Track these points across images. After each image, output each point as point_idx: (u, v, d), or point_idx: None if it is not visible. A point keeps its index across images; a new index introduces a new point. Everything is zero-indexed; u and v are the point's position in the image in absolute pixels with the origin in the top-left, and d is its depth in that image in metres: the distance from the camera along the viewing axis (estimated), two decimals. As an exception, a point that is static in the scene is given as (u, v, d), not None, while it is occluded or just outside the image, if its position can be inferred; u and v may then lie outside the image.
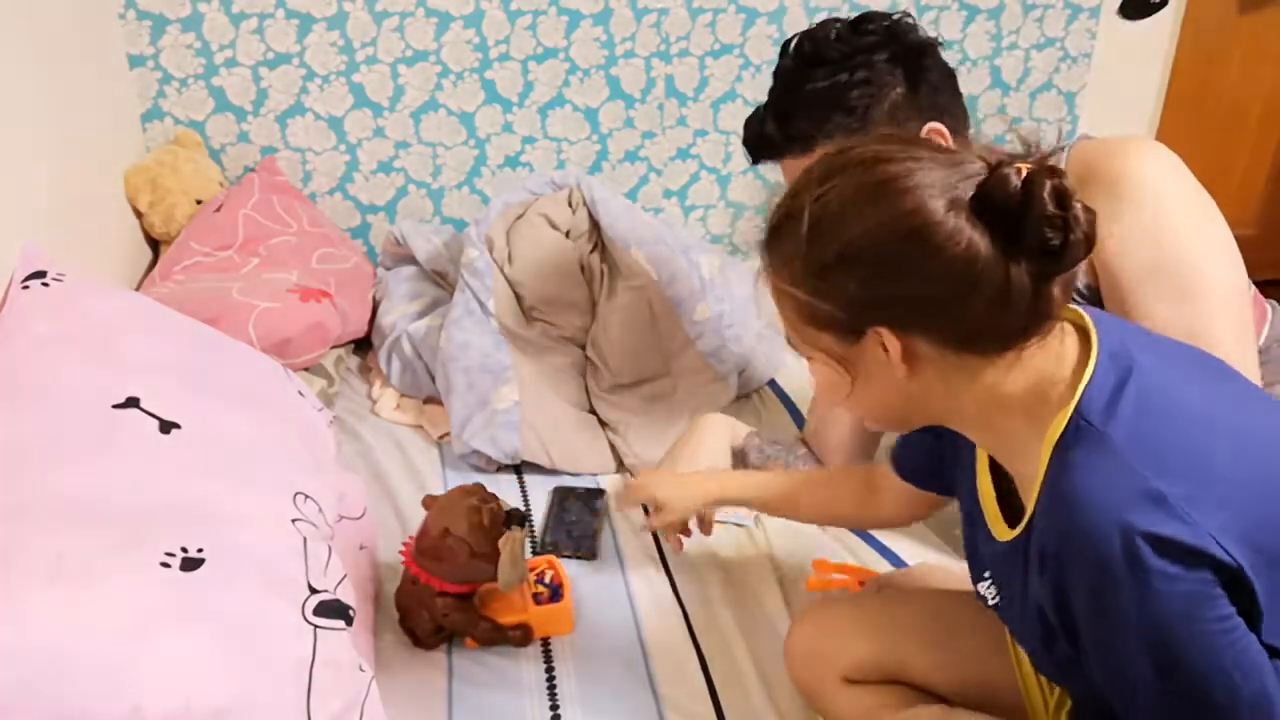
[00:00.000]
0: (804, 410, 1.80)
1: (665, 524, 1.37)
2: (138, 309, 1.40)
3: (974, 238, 0.79)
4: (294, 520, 1.15)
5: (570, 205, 2.03)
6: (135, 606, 0.93)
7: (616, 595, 1.44)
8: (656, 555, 1.53)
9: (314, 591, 1.07)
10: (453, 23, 2.16)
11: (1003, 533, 0.94)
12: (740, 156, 2.42)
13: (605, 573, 1.48)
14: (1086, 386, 0.83)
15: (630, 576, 1.48)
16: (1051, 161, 0.81)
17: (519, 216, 1.99)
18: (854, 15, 1.31)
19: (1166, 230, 1.10)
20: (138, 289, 1.88)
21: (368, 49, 2.15)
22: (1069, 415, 0.83)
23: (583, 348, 1.89)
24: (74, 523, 0.99)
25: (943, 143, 1.18)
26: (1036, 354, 0.85)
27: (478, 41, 2.19)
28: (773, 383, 1.97)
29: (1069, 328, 0.88)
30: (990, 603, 1.01)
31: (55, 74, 1.67)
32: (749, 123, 1.36)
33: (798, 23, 2.30)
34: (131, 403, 1.17)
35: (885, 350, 0.85)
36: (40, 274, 1.32)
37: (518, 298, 1.89)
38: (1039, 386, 0.85)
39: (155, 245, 2.08)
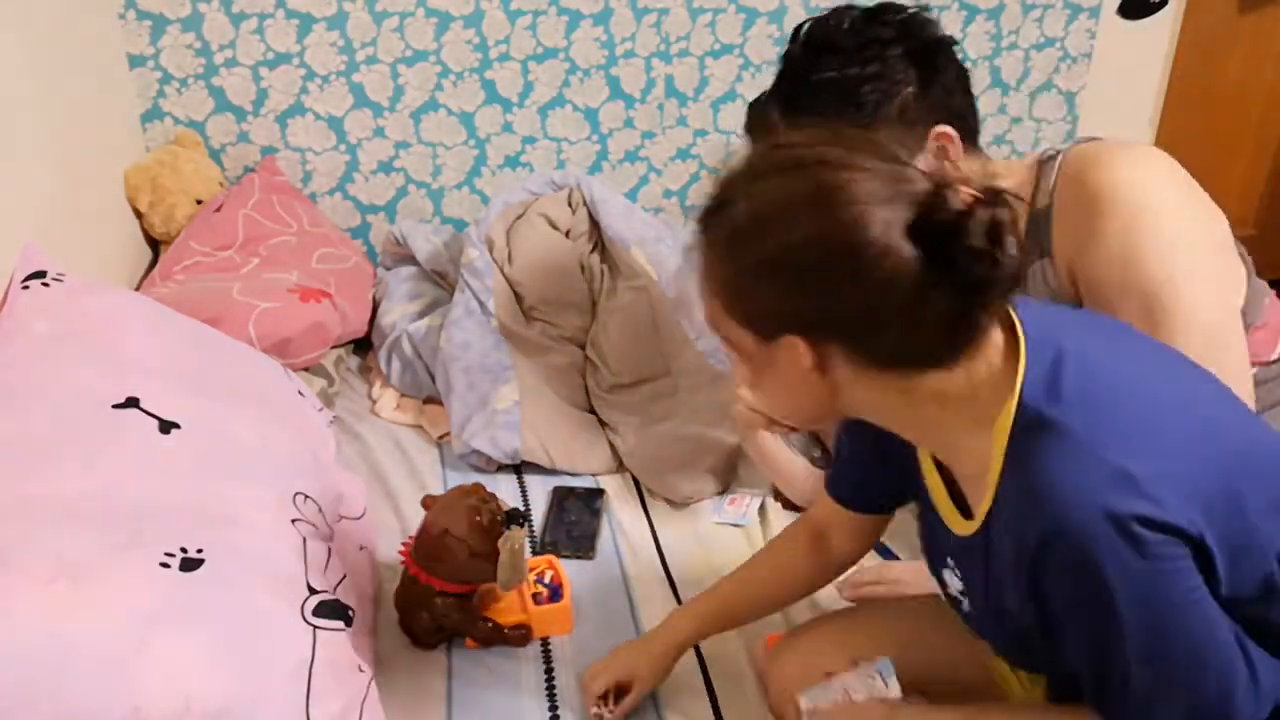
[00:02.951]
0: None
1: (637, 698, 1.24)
2: (138, 309, 1.40)
3: (902, 259, 0.77)
4: (294, 520, 1.16)
5: (570, 205, 2.03)
6: (135, 607, 0.93)
7: (616, 595, 1.44)
8: (656, 555, 1.53)
9: (313, 592, 1.07)
10: (453, 23, 2.16)
11: (960, 526, 0.93)
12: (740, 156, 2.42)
13: (605, 573, 1.48)
14: (1025, 376, 0.82)
15: (630, 576, 1.48)
16: (1003, 185, 0.78)
17: (519, 216, 1.99)
18: (871, 4, 1.25)
19: (1136, 252, 1.07)
20: (138, 289, 1.88)
21: (368, 49, 2.15)
22: (1014, 408, 0.82)
23: (582, 347, 1.89)
24: (74, 523, 0.99)
25: (950, 147, 1.18)
26: (973, 359, 0.83)
27: (478, 41, 2.19)
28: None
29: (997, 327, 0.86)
30: (952, 590, 0.99)
31: (55, 74, 1.67)
32: (753, 106, 1.32)
33: (798, 23, 2.30)
34: (131, 403, 1.17)
35: (800, 355, 0.84)
36: (40, 274, 1.32)
37: (518, 298, 1.89)
38: (969, 385, 0.84)
39: (155, 245, 2.08)
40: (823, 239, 0.79)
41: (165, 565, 0.98)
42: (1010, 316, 0.85)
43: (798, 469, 1.52)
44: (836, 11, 1.25)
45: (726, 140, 2.40)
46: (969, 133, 1.21)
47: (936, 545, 1.01)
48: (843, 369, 0.84)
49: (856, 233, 0.77)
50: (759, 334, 0.85)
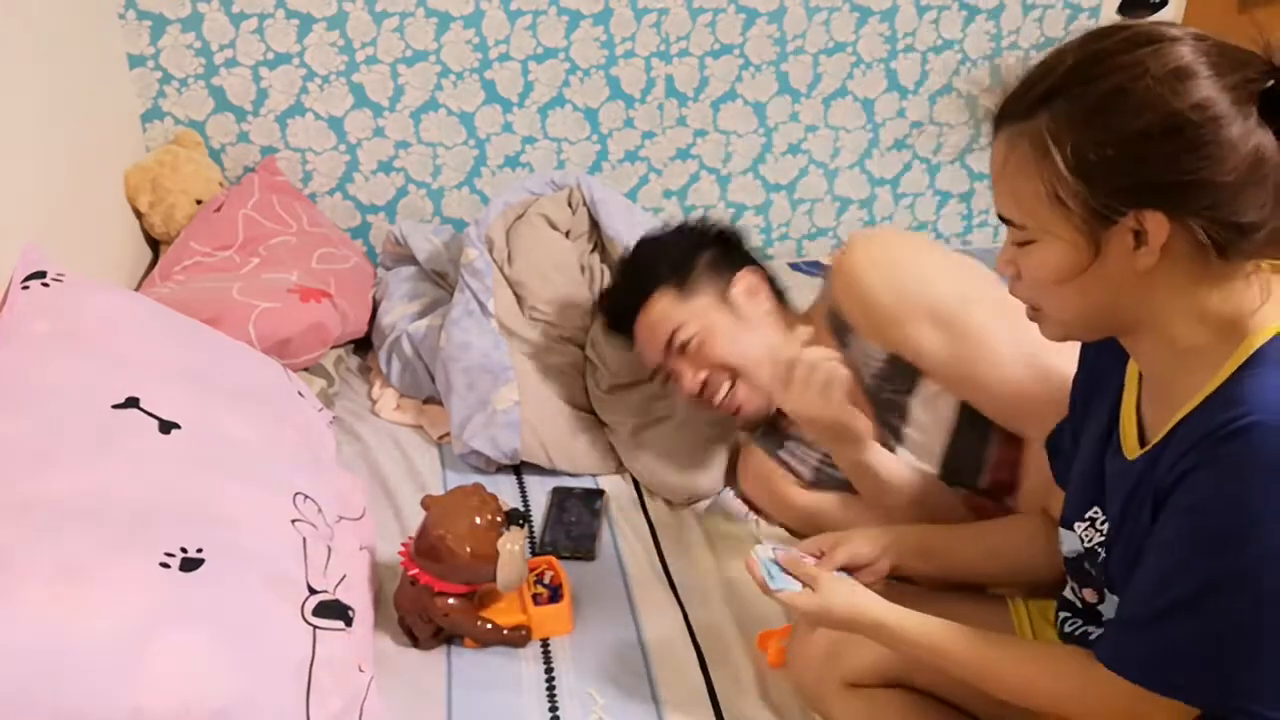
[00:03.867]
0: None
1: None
2: (138, 309, 1.40)
3: (1262, 137, 0.80)
4: (294, 520, 1.16)
5: (570, 205, 2.03)
6: (135, 606, 0.93)
7: (616, 595, 1.44)
8: (656, 555, 1.53)
9: (313, 592, 1.07)
10: (453, 23, 2.16)
11: (1133, 450, 0.94)
12: (740, 156, 2.43)
13: (605, 573, 1.48)
14: None
15: (630, 576, 1.48)
16: None
17: (519, 216, 1.98)
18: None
19: (906, 289, 1.35)
20: (138, 289, 1.88)
21: (368, 49, 2.15)
22: (1270, 335, 0.84)
23: (582, 348, 1.89)
24: (74, 523, 0.99)
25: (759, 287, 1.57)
26: (1251, 280, 0.86)
27: (478, 41, 2.19)
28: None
29: (1276, 278, 0.88)
30: (1085, 544, 1.00)
31: (55, 74, 1.67)
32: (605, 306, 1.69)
33: (798, 22, 2.31)
34: (131, 403, 1.17)
35: (1136, 239, 0.84)
36: (40, 274, 1.32)
37: (518, 298, 1.89)
38: (1241, 310, 0.86)
39: (155, 245, 2.08)
40: (1200, 108, 0.80)
41: (165, 565, 0.98)
42: None
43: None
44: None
45: (726, 140, 2.40)
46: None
47: (1093, 483, 1.00)
48: (1175, 254, 0.84)
49: (1225, 105, 0.80)
50: (1098, 216, 0.85)
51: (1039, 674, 0.98)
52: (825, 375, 1.30)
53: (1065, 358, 1.12)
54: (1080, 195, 0.84)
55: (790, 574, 1.13)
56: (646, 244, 1.66)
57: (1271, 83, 0.81)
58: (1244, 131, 0.80)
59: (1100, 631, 1.01)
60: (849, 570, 1.17)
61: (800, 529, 1.50)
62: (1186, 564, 0.84)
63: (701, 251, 1.58)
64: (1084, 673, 0.92)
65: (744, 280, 1.57)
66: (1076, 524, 1.01)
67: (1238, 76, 0.81)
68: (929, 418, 1.38)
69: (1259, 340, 0.84)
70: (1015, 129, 0.88)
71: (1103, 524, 0.98)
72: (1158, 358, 0.92)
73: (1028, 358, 1.24)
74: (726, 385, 1.53)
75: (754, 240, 2.53)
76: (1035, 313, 0.95)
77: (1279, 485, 0.79)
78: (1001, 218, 0.92)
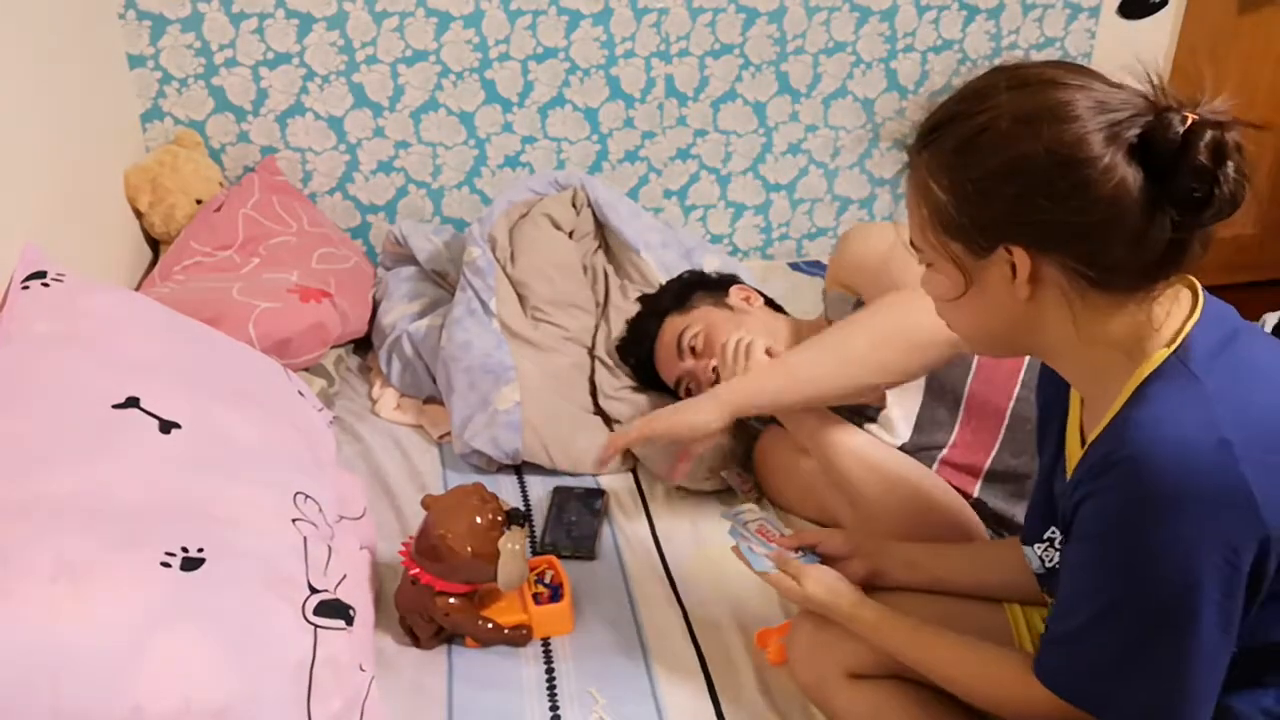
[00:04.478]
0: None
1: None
2: (138, 309, 1.40)
3: (1127, 176, 0.80)
4: (294, 520, 1.16)
5: (574, 206, 2.03)
6: (135, 606, 0.93)
7: (616, 595, 1.44)
8: (656, 555, 1.53)
9: (314, 591, 1.07)
10: (453, 23, 2.16)
11: (1072, 470, 0.97)
12: (740, 156, 2.43)
13: (605, 573, 1.49)
14: (1190, 334, 0.86)
15: (630, 576, 1.48)
16: (1221, 114, 0.82)
17: (522, 215, 1.99)
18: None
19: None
20: (138, 289, 1.88)
21: (368, 49, 2.15)
22: (1166, 355, 0.86)
23: (586, 348, 1.89)
24: (74, 523, 0.99)
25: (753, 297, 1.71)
26: (1149, 303, 0.87)
27: (478, 41, 2.19)
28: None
29: (1183, 286, 0.90)
30: (1047, 564, 1.03)
31: (55, 74, 1.67)
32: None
33: (798, 22, 2.31)
34: (131, 403, 1.17)
35: (1012, 270, 0.87)
36: (40, 274, 1.32)
37: (520, 298, 1.89)
38: (1142, 330, 0.87)
39: (155, 245, 2.08)
40: (1053, 152, 0.82)
41: (166, 565, 0.98)
42: (1195, 284, 0.90)
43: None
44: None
45: (726, 140, 2.40)
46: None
47: (1046, 508, 1.03)
48: (1052, 285, 0.87)
49: (1086, 147, 0.81)
50: (975, 247, 0.88)
51: (980, 675, 1.03)
52: (748, 345, 1.49)
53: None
54: (949, 229, 0.88)
55: (767, 548, 1.25)
56: (647, 298, 1.83)
57: (1149, 120, 0.81)
58: (1104, 173, 0.81)
59: None
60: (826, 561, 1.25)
61: (817, 518, 1.55)
62: (1086, 589, 0.89)
63: (699, 288, 1.76)
64: (1022, 676, 0.96)
65: (737, 291, 1.74)
66: (1036, 545, 1.05)
67: (1112, 117, 0.82)
68: (897, 393, 1.47)
69: (1148, 368, 0.86)
70: (911, 163, 0.92)
71: (1061, 543, 1.00)
72: (1080, 378, 0.96)
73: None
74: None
75: (754, 240, 2.54)
76: (947, 325, 0.99)
77: (1147, 516, 0.82)
78: (909, 243, 0.96)
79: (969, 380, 1.44)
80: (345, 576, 1.18)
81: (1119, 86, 0.85)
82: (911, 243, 0.95)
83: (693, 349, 1.64)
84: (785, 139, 2.44)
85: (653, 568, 1.50)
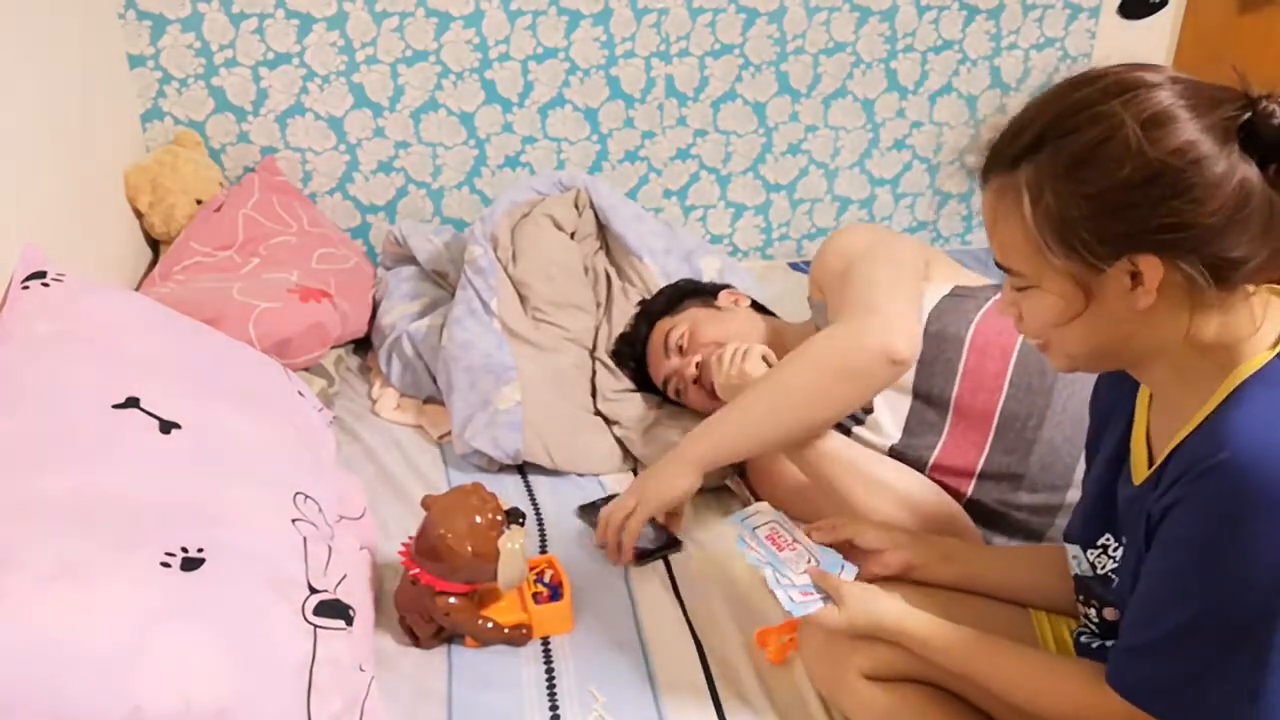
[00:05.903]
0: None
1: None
2: (138, 309, 1.40)
3: (1245, 168, 0.81)
4: (294, 520, 1.16)
5: (577, 207, 2.03)
6: (135, 606, 0.93)
7: (616, 595, 1.44)
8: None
9: (314, 591, 1.07)
10: (453, 23, 2.16)
11: (1141, 475, 0.95)
12: (740, 156, 2.43)
13: (605, 572, 1.48)
14: None
15: (630, 575, 1.48)
16: None
17: (524, 215, 1.99)
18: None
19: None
20: (138, 289, 1.88)
21: (368, 49, 2.15)
22: (1269, 358, 0.85)
23: (587, 349, 1.89)
24: (74, 523, 0.99)
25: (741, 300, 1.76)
26: (1248, 303, 0.87)
27: (478, 41, 2.19)
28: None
29: (1274, 299, 0.90)
30: (1098, 570, 1.02)
31: (55, 74, 1.68)
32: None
33: (798, 22, 2.31)
34: (131, 403, 1.17)
35: (1132, 280, 0.85)
36: (40, 274, 1.32)
37: (521, 298, 1.89)
38: (1242, 330, 0.87)
39: (155, 245, 2.08)
40: (1183, 153, 0.81)
41: (166, 565, 0.98)
42: None
43: None
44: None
45: (726, 140, 2.40)
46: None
47: (1107, 509, 1.02)
48: (1174, 290, 0.86)
49: (1206, 146, 0.81)
50: (1094, 261, 0.86)
51: (1049, 684, 1.00)
52: (745, 351, 1.50)
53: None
54: (1066, 246, 0.86)
55: (773, 556, 1.23)
56: (642, 303, 1.85)
57: (1249, 115, 0.81)
58: (1227, 169, 0.81)
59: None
60: (856, 553, 1.23)
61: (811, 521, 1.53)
62: (1172, 598, 0.87)
63: (691, 295, 1.80)
64: (1092, 687, 0.94)
65: (726, 294, 1.79)
66: (1089, 550, 1.04)
67: (1216, 115, 0.81)
68: (885, 397, 1.48)
69: (1247, 370, 0.86)
70: (1000, 181, 0.90)
71: (1115, 550, 0.99)
72: (1168, 382, 0.94)
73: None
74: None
75: (754, 240, 2.54)
76: (1043, 347, 0.97)
77: (1246, 523, 0.80)
78: (999, 264, 0.94)
79: (956, 383, 1.43)
80: (345, 576, 1.19)
81: (1209, 84, 0.85)
82: (1002, 265, 0.92)
83: (679, 348, 1.67)
84: (785, 139, 2.44)
85: (653, 567, 1.50)
